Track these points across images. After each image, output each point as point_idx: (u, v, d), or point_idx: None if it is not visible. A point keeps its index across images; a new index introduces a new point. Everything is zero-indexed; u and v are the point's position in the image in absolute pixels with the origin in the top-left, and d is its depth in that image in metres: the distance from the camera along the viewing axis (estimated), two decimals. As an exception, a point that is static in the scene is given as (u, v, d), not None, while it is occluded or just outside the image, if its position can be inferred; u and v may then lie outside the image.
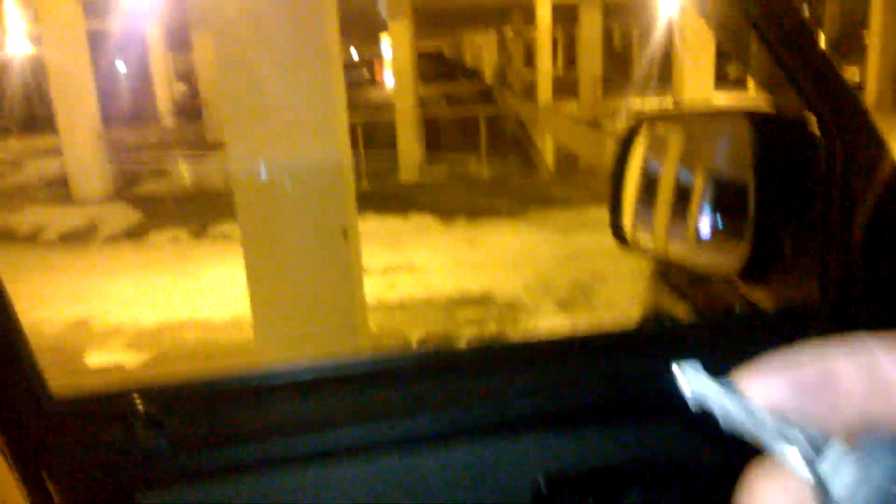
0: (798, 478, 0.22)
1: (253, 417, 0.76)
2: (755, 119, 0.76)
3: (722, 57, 12.46)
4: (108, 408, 0.71)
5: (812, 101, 0.73)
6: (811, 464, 0.22)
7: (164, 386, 0.76)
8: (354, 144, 9.87)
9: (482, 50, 40.77)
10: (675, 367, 0.24)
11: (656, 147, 1.07)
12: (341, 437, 0.74)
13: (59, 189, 10.87)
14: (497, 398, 0.78)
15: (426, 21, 25.36)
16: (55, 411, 0.69)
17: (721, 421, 0.23)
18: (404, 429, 0.75)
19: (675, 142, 1.06)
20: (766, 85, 0.86)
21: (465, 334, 5.03)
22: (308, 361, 0.81)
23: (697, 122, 1.07)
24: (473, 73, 36.78)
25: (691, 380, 0.23)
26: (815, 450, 0.22)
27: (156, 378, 0.83)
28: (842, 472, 0.21)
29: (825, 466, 0.22)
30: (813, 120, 0.74)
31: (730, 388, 0.23)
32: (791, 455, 0.22)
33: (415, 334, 5.12)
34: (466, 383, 0.78)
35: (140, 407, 0.70)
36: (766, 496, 0.22)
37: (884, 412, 0.22)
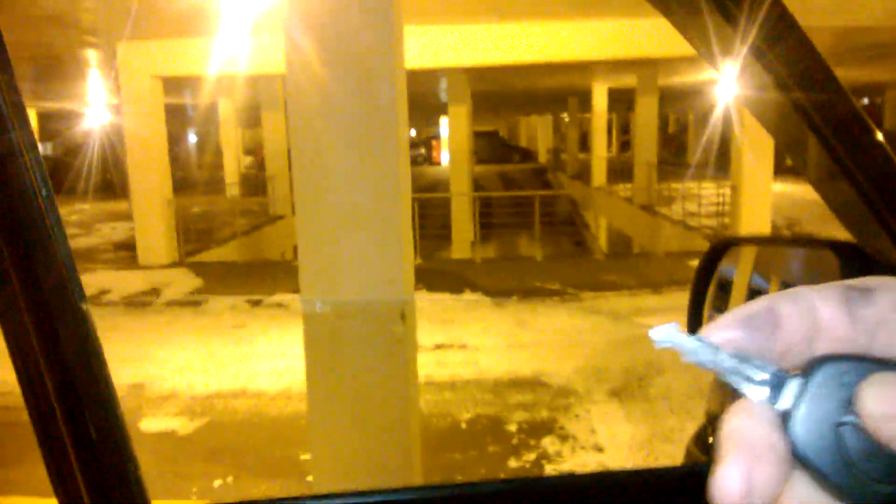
0: (764, 411, 0.25)
1: None
2: (841, 251, 0.77)
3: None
4: None
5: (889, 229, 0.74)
6: (773, 398, 0.25)
7: None
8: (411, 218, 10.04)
9: (537, 131, 41.52)
10: (651, 331, 0.27)
11: (740, 270, 1.09)
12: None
13: (127, 252, 11.33)
14: None
15: (484, 103, 26.04)
16: None
17: (700, 366, 0.26)
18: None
19: (759, 267, 1.08)
20: (840, 208, 0.86)
21: (514, 419, 4.95)
22: (349, 493, 0.80)
23: (783, 249, 1.08)
24: (528, 154, 37.39)
25: (666, 336, 0.27)
26: (775, 385, 0.25)
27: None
28: (799, 404, 0.25)
29: (785, 399, 0.25)
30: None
31: (700, 339, 0.26)
32: (756, 391, 0.26)
33: (463, 416, 5.07)
34: None
35: None
36: (738, 428, 0.25)
37: (823, 349, 0.26)
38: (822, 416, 0.25)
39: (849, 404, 0.25)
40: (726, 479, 0.25)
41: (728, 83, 0.88)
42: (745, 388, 0.26)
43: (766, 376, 0.26)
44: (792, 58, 0.68)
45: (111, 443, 0.59)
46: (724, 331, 0.26)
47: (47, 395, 0.55)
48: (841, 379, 0.25)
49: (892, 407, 0.23)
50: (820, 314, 0.26)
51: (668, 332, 0.27)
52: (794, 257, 1.03)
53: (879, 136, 0.74)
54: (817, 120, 0.74)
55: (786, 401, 0.25)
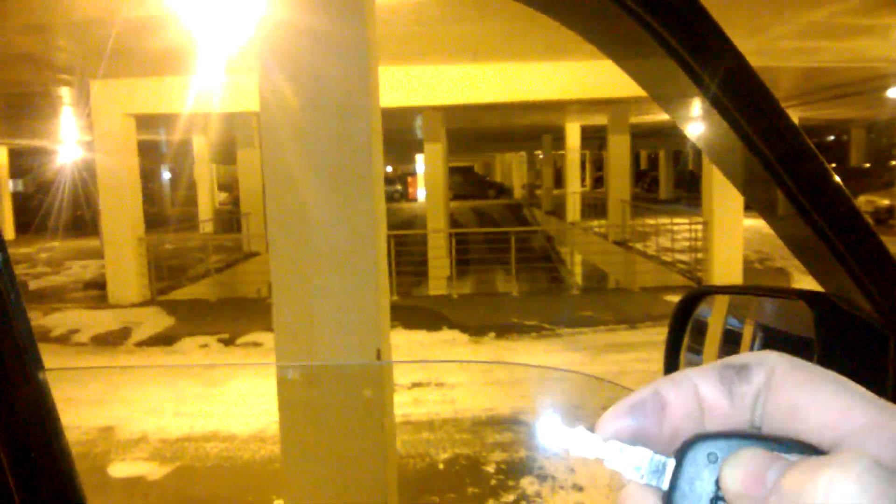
0: (648, 495, 0.27)
1: None
2: (814, 301, 0.77)
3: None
4: None
5: (864, 284, 0.74)
6: (656, 479, 0.27)
7: None
8: (387, 255, 10.03)
9: (512, 167, 42.00)
10: (536, 424, 0.28)
11: (715, 314, 1.09)
12: None
13: (97, 291, 11.13)
14: None
15: (459, 139, 26.32)
16: None
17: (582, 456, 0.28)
18: None
19: (733, 310, 1.08)
20: (800, 251, 0.86)
21: (492, 459, 4.89)
22: None
23: (756, 299, 1.09)
24: (503, 190, 37.73)
25: (549, 432, 0.28)
26: (656, 468, 0.27)
27: None
28: (676, 485, 0.26)
29: (665, 480, 0.27)
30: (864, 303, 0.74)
31: (582, 432, 0.28)
32: (638, 475, 0.27)
33: (440, 456, 4.99)
34: None
35: None
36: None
37: (701, 427, 0.27)
38: (697, 493, 0.26)
39: (718, 480, 0.26)
40: None
41: (683, 125, 0.88)
42: (630, 473, 0.27)
43: (646, 462, 0.27)
44: (745, 100, 0.68)
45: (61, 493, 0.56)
46: (615, 420, 0.28)
47: (2, 467, 0.52)
48: (709, 457, 0.26)
49: (745, 486, 0.25)
50: (701, 394, 0.28)
51: (553, 428, 0.28)
52: (768, 302, 1.04)
53: (836, 178, 0.74)
54: (773, 161, 0.74)
55: (665, 482, 0.27)
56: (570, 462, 4.77)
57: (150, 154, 21.09)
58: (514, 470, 4.65)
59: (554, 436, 0.28)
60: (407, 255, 12.27)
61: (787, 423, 0.26)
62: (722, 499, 0.26)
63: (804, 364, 0.28)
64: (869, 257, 0.74)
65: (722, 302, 1.16)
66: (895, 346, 0.68)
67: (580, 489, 4.34)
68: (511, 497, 4.26)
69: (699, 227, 11.32)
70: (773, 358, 0.28)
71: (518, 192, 37.49)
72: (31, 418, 0.54)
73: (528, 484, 4.42)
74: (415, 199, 33.86)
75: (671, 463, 0.27)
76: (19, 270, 14.30)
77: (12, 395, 0.54)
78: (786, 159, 0.72)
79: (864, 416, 0.25)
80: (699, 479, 0.26)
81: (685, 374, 0.28)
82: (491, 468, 4.72)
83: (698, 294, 1.05)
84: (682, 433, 0.27)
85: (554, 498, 4.22)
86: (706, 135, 0.87)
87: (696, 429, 0.27)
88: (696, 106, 0.79)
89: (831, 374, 0.27)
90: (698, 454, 0.26)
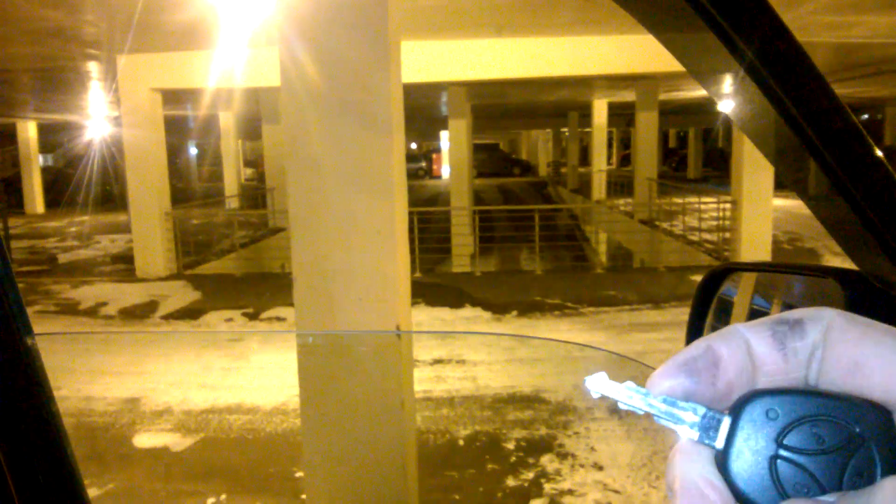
0: (701, 452, 0.26)
1: None
2: (845, 279, 0.73)
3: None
4: None
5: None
6: (710, 438, 0.26)
7: None
8: (409, 232, 10.04)
9: (538, 145, 41.63)
10: (585, 380, 0.28)
11: (741, 292, 1.05)
12: None
13: (125, 265, 11.30)
14: None
15: (484, 116, 26.13)
16: None
17: (635, 412, 0.27)
18: None
19: (760, 288, 1.04)
20: (836, 229, 0.82)
21: (512, 436, 4.89)
22: None
23: (785, 277, 1.04)
24: (528, 168, 37.46)
25: (598, 387, 0.28)
26: (710, 426, 0.26)
27: None
28: (732, 442, 0.26)
29: (720, 437, 0.26)
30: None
31: (632, 386, 0.27)
32: (691, 433, 0.26)
33: (461, 433, 5.01)
34: None
35: None
36: (678, 472, 0.26)
37: (754, 384, 0.27)
38: (754, 451, 0.25)
39: (777, 437, 0.25)
40: None
41: (720, 101, 0.84)
42: (681, 430, 0.27)
43: (698, 418, 0.26)
44: (787, 74, 0.65)
45: (60, 484, 0.55)
46: (667, 378, 0.27)
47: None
48: (768, 414, 0.25)
49: None
50: (753, 350, 0.27)
51: (600, 382, 0.28)
52: (796, 280, 1.00)
53: (878, 152, 0.70)
54: (813, 137, 0.70)
55: (720, 440, 0.26)
56: (590, 441, 4.75)
57: (176, 130, 21.27)
58: (534, 448, 4.64)
59: (604, 389, 0.28)
60: (431, 233, 12.26)
61: (848, 380, 0.25)
62: (782, 458, 0.25)
63: (863, 319, 0.26)
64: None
65: (748, 280, 1.12)
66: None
67: (600, 468, 4.33)
68: (530, 474, 4.26)
69: (728, 206, 11.14)
70: (830, 313, 0.26)
71: (543, 170, 37.21)
72: (19, 384, 0.53)
73: (547, 461, 4.41)
74: (439, 177, 33.78)
75: (726, 420, 0.26)
76: (49, 245, 14.58)
77: (1, 361, 0.53)
78: (828, 134, 0.68)
79: None
80: (756, 436, 0.25)
81: (736, 329, 0.27)
82: (511, 445, 4.73)
83: (723, 271, 1.01)
84: (734, 390, 0.27)
85: (573, 476, 4.22)
86: (744, 111, 0.83)
87: (749, 386, 0.27)
88: (736, 81, 0.75)
89: (892, 328, 0.26)
90: (755, 411, 0.26)
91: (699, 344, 0.27)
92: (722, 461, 0.26)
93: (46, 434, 0.53)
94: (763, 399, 0.26)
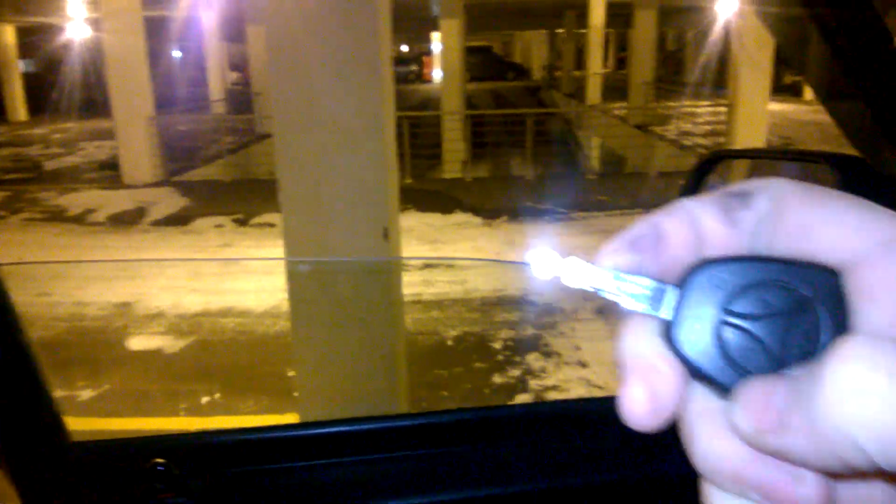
0: (649, 324, 0.26)
1: (280, 478, 0.73)
2: (841, 164, 0.71)
3: (779, 63, 12.12)
4: (128, 458, 0.69)
5: None
6: (656, 309, 0.26)
7: (185, 440, 0.74)
8: (399, 138, 9.89)
9: (532, 48, 40.50)
10: (527, 255, 0.27)
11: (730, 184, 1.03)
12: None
13: (111, 171, 11.16)
14: (534, 463, 0.74)
15: (477, 17, 25.25)
16: (73, 457, 0.67)
17: (578, 288, 0.27)
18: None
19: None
20: (842, 118, 0.79)
21: (500, 337, 4.99)
22: (339, 421, 0.78)
23: (776, 163, 1.01)
24: (522, 71, 36.57)
25: (542, 262, 0.27)
26: (657, 298, 0.26)
27: (177, 432, 0.81)
28: (679, 311, 0.25)
29: (666, 310, 0.26)
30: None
31: (578, 261, 0.27)
32: (638, 306, 0.26)
33: (449, 333, 5.11)
34: (502, 447, 0.74)
35: (160, 461, 0.67)
36: (628, 347, 0.26)
37: (698, 256, 0.26)
38: (701, 319, 0.25)
39: (724, 304, 0.25)
40: (630, 401, 0.25)
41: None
42: (628, 305, 0.26)
43: (646, 291, 0.26)
44: None
45: (34, 411, 0.54)
46: (614, 255, 0.27)
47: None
48: (713, 281, 0.25)
49: (759, 423, 0.22)
50: (701, 223, 0.26)
51: (545, 258, 0.27)
52: (788, 171, 0.97)
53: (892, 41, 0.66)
54: (831, 28, 0.67)
55: (667, 311, 0.26)
56: (575, 340, 4.86)
57: (157, 33, 20.50)
58: (521, 347, 4.75)
59: (548, 265, 0.27)
60: (422, 138, 12.08)
61: (796, 245, 0.24)
62: (728, 324, 0.25)
63: (813, 186, 0.25)
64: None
65: (741, 168, 1.10)
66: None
67: (584, 365, 4.44)
68: (517, 372, 4.38)
69: (723, 109, 10.98)
70: (778, 182, 0.26)
71: (538, 74, 36.38)
72: None
73: (533, 360, 4.52)
74: (430, 81, 33.00)
75: (674, 291, 0.26)
76: (33, 152, 14.33)
77: None
78: (846, 26, 0.64)
79: (882, 231, 0.23)
80: (703, 305, 0.25)
81: (683, 205, 0.27)
82: (498, 345, 4.83)
83: (716, 157, 0.99)
84: (681, 265, 0.26)
85: (558, 373, 4.33)
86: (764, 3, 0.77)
87: (691, 254, 0.26)
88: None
89: (843, 193, 0.25)
90: (702, 280, 0.25)
91: (647, 220, 0.27)
92: (669, 331, 0.25)
93: (13, 355, 0.52)
94: (710, 267, 0.25)
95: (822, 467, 0.22)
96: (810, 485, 0.22)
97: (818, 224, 0.24)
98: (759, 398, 0.23)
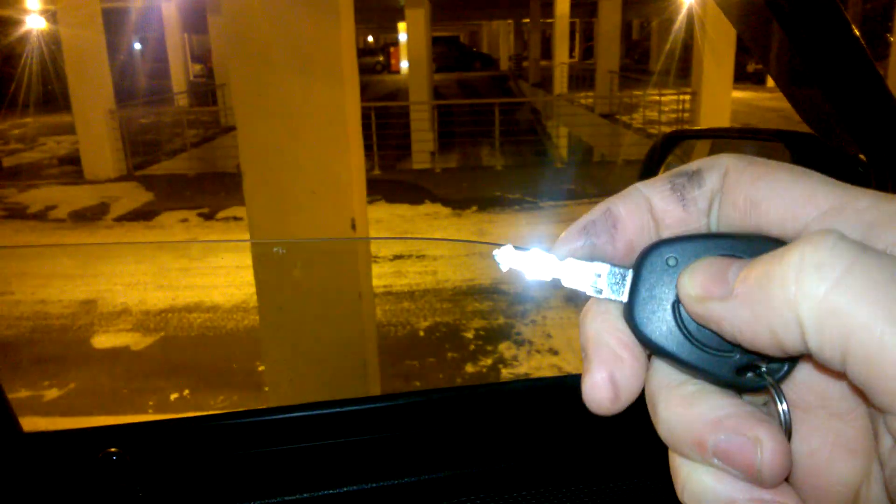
0: (608, 308, 0.27)
1: (238, 463, 0.71)
2: (794, 141, 0.71)
3: (742, 52, 12.27)
4: (79, 448, 0.67)
5: (854, 126, 0.67)
6: (614, 293, 0.27)
7: (139, 429, 0.72)
8: (367, 129, 9.80)
9: (499, 37, 40.50)
10: (494, 253, 0.28)
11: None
12: (335, 487, 0.70)
13: (72, 167, 10.90)
14: (509, 442, 0.73)
15: (444, 7, 25.15)
16: (24, 449, 0.65)
17: (542, 280, 0.28)
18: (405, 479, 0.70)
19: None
20: (799, 102, 0.80)
21: (471, 326, 5.00)
22: (303, 405, 0.77)
23: (731, 142, 1.02)
24: (489, 61, 36.56)
25: (507, 258, 0.28)
26: (615, 280, 0.27)
27: (131, 419, 0.79)
28: (636, 293, 0.26)
29: (625, 291, 0.26)
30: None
31: (538, 252, 0.28)
32: (596, 290, 0.27)
33: (421, 324, 5.09)
34: (474, 425, 0.74)
35: (114, 450, 0.66)
36: (589, 331, 0.27)
37: (659, 238, 0.27)
38: (657, 299, 0.26)
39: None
40: (592, 386, 0.25)
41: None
42: (588, 290, 0.27)
43: (604, 276, 0.27)
44: None
45: None
46: (569, 242, 0.27)
47: None
48: (668, 262, 0.26)
49: (704, 288, 0.24)
50: (654, 206, 0.27)
51: (508, 253, 0.28)
52: (746, 146, 0.98)
53: (856, 31, 0.67)
54: (789, 14, 0.67)
55: (625, 294, 0.26)
56: (546, 328, 4.88)
57: (117, 24, 20.03)
58: (493, 336, 4.76)
59: (509, 258, 0.28)
60: (389, 129, 12.01)
61: (746, 220, 0.25)
62: (679, 303, 0.25)
63: (760, 160, 0.26)
64: (863, 94, 0.67)
65: (702, 148, 1.10)
66: (876, 180, 0.63)
67: (556, 353, 4.47)
68: (489, 361, 4.39)
69: (688, 97, 11.10)
70: (726, 159, 0.26)
71: (505, 64, 36.41)
72: None
73: (505, 349, 4.54)
74: (397, 71, 32.83)
75: (630, 273, 0.26)
76: (-9, 146, 13.94)
77: None
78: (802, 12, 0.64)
79: (827, 200, 0.23)
80: (659, 285, 0.26)
81: (635, 188, 0.27)
82: (470, 335, 4.83)
83: (671, 139, 0.98)
84: (637, 247, 0.27)
85: (530, 361, 4.35)
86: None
87: (652, 241, 0.27)
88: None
89: (788, 165, 0.25)
90: (656, 261, 0.26)
91: (600, 206, 0.28)
92: (628, 313, 0.26)
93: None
94: (663, 248, 0.26)
95: (750, 342, 0.22)
96: (768, 449, 0.23)
97: (766, 198, 0.25)
98: (714, 269, 0.24)
